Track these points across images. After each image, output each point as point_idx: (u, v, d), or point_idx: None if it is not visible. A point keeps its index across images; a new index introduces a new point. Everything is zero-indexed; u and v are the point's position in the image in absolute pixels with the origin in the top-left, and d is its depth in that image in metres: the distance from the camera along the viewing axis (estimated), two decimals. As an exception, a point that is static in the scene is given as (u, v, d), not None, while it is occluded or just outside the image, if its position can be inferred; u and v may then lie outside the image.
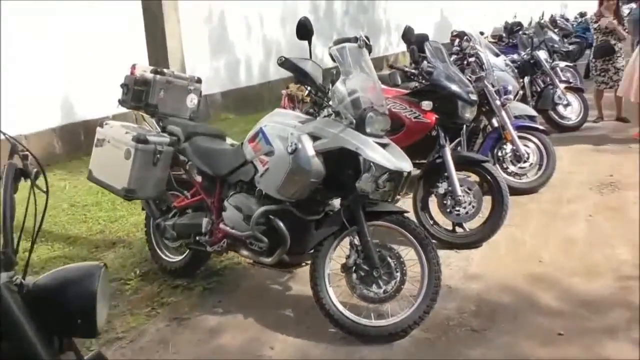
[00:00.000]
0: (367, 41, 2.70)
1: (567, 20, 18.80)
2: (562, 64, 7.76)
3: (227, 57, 9.18)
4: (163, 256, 3.24)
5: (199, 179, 2.98)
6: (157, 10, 6.73)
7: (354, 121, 2.46)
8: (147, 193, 2.94)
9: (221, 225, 2.73)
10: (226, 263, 3.31)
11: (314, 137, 2.50)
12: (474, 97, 3.44)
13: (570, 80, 7.84)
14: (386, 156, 2.42)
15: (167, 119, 3.11)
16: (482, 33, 11.57)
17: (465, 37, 5.08)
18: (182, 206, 3.05)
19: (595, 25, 6.50)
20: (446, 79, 3.43)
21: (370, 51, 2.78)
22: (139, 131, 2.94)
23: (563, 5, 32.35)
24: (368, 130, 2.46)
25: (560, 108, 6.26)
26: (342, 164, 2.53)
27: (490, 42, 10.43)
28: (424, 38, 7.02)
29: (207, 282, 3.11)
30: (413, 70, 3.60)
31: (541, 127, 4.48)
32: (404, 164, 2.47)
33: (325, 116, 2.61)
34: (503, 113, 4.31)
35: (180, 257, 3.16)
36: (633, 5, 20.98)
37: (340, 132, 2.45)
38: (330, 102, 2.58)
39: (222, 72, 9.11)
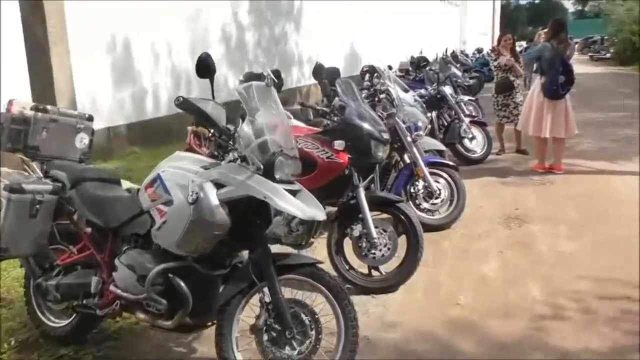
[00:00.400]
0: (275, 78, 2.53)
1: (466, 55, 20.15)
2: (466, 98, 8.13)
3: (133, 88, 8.70)
4: (45, 320, 2.81)
5: (88, 231, 2.62)
6: (41, 39, 6.05)
7: (262, 167, 2.26)
8: (24, 250, 2.54)
9: (111, 288, 2.39)
10: (122, 324, 2.93)
11: (218, 185, 2.27)
12: (386, 135, 3.39)
13: (474, 114, 8.25)
14: (297, 205, 2.24)
15: (51, 162, 2.74)
16: (390, 67, 11.98)
17: (375, 73, 5.12)
18: (68, 263, 2.67)
19: (495, 63, 6.89)
20: (358, 117, 3.36)
21: (280, 88, 2.62)
22: (14, 178, 2.54)
23: (462, 42, 34.88)
24: (277, 176, 2.28)
25: (466, 141, 6.49)
26: (250, 214, 2.32)
27: (398, 76, 10.84)
28: (334, 72, 7.16)
29: (98, 348, 2.72)
30: (324, 109, 3.49)
31: (451, 163, 4.55)
32: (317, 212, 2.30)
33: (230, 161, 2.39)
34: (414, 149, 4.33)
35: (67, 322, 2.76)
36: (523, 43, 22.93)
37: (246, 179, 2.24)
38: (236, 146, 2.37)
39: (127, 103, 8.60)
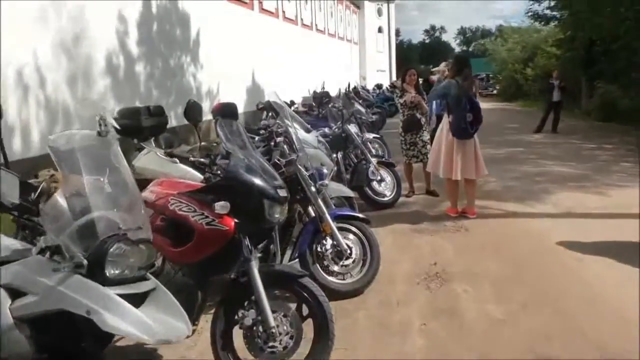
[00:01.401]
0: (116, 125, 1.73)
1: (367, 91, 20.39)
2: (371, 135, 7.74)
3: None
4: None
5: None
6: None
7: (85, 262, 1.44)
8: None
9: None
10: None
11: (15, 292, 1.41)
12: (283, 192, 2.66)
13: (381, 153, 7.86)
14: (141, 322, 1.43)
15: None
16: (292, 102, 11.48)
17: (270, 113, 4.43)
18: None
19: (401, 101, 6.50)
20: (247, 170, 2.60)
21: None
22: None
23: (362, 78, 35.86)
24: (111, 272, 1.46)
25: (375, 184, 5.98)
26: (69, 333, 1.47)
27: (301, 111, 10.31)
28: (230, 109, 6.39)
29: None
30: (203, 160, 2.69)
31: (362, 216, 3.92)
32: (173, 329, 1.51)
33: (40, 251, 1.54)
34: (320, 201, 3.66)
35: None
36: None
37: (58, 284, 1.40)
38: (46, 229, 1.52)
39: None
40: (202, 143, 4.48)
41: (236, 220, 2.53)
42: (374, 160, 6.02)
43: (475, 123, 5.46)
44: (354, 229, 3.85)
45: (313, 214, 3.75)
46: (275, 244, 3.53)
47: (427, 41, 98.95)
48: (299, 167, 3.61)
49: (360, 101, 11.65)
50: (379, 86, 24.36)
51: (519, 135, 13.38)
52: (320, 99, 8.66)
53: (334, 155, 5.72)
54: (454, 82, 5.54)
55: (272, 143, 3.87)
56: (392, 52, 43.18)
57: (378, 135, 8.32)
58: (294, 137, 3.88)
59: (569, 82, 14.35)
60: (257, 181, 2.57)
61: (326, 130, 6.08)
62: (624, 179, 7.33)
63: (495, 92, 34.09)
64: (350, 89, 10.72)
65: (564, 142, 11.62)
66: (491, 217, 5.59)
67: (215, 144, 5.38)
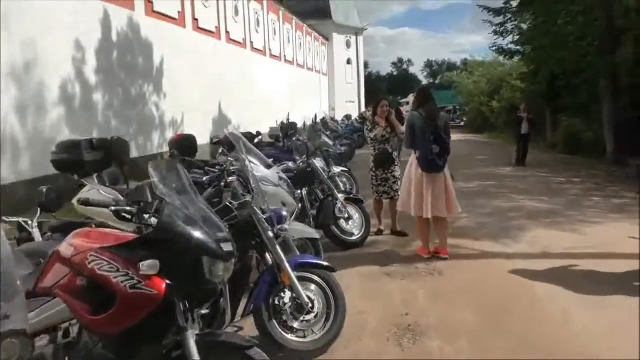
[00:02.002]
0: None
1: (336, 122, 20.23)
2: (338, 169, 7.39)
3: None
4: None
5: None
6: None
7: None
8: None
9: None
10: None
11: None
12: (228, 247, 2.21)
13: (349, 187, 7.52)
14: None
15: None
16: (259, 134, 11.09)
17: (222, 150, 4.01)
18: None
19: (372, 135, 6.16)
20: (185, 221, 2.16)
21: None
22: None
23: (331, 109, 35.93)
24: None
25: (342, 222, 5.59)
26: None
27: (267, 143, 9.92)
28: (190, 142, 5.91)
29: None
30: (129, 209, 2.23)
31: (325, 264, 3.49)
32: None
33: None
34: (277, 248, 3.23)
35: None
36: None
37: None
38: None
39: None
40: (141, 183, 4.02)
41: (168, 282, 2.08)
42: (341, 196, 5.63)
43: (444, 154, 5.18)
44: (316, 278, 3.42)
45: (271, 262, 3.32)
46: (225, 298, 3.06)
47: (395, 73, 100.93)
48: (255, 209, 3.20)
49: (328, 133, 11.38)
50: (347, 117, 24.25)
51: (488, 167, 13.30)
52: (287, 130, 8.28)
53: (298, 192, 5.33)
54: (416, 114, 5.27)
55: (223, 183, 3.44)
56: (361, 84, 43.66)
57: (346, 168, 7.99)
58: (249, 174, 3.47)
59: (534, 115, 14.42)
60: (196, 234, 2.14)
61: (290, 164, 5.70)
62: (597, 215, 7.15)
63: (462, 124, 34.59)
64: (318, 120, 10.41)
65: (533, 175, 11.54)
66: (465, 259, 5.24)
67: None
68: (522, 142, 13.59)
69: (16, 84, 8.70)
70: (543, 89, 18.29)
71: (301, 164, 5.70)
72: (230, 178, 3.42)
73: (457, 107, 38.23)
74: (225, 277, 2.25)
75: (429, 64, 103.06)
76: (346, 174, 7.81)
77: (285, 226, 3.38)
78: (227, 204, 3.09)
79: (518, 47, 19.49)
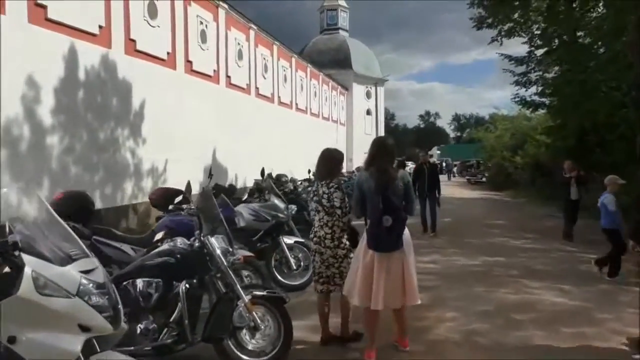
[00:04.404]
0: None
1: (295, 181, 18.22)
2: (291, 239, 5.64)
3: None
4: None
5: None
6: None
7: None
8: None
9: None
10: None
11: None
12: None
13: (303, 265, 5.71)
14: None
15: None
16: (233, 188, 9.47)
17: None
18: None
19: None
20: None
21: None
22: None
23: (349, 159, 34.40)
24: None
25: (244, 334, 3.70)
26: None
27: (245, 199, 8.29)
28: (82, 200, 4.95)
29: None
30: None
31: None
32: None
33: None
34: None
35: None
36: (410, 163, 22.26)
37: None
38: None
39: None
40: None
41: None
42: (246, 294, 3.73)
43: (397, 226, 3.64)
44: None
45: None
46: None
47: (422, 126, 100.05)
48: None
49: (281, 192, 9.52)
50: (358, 169, 22.64)
51: (502, 236, 10.93)
52: (224, 193, 6.61)
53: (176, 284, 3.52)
54: (366, 174, 3.65)
55: None
56: (381, 134, 42.29)
57: (302, 240, 6.13)
58: None
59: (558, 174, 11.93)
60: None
61: (179, 242, 3.89)
62: None
63: (484, 179, 32.44)
64: (265, 176, 8.68)
65: (558, 250, 9.43)
66: None
67: None
68: (570, 210, 10.71)
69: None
70: (571, 145, 16.19)
71: (197, 242, 3.89)
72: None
73: (480, 162, 36.25)
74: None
75: (456, 118, 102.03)
76: (301, 246, 6.00)
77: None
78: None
79: (543, 99, 17.72)
